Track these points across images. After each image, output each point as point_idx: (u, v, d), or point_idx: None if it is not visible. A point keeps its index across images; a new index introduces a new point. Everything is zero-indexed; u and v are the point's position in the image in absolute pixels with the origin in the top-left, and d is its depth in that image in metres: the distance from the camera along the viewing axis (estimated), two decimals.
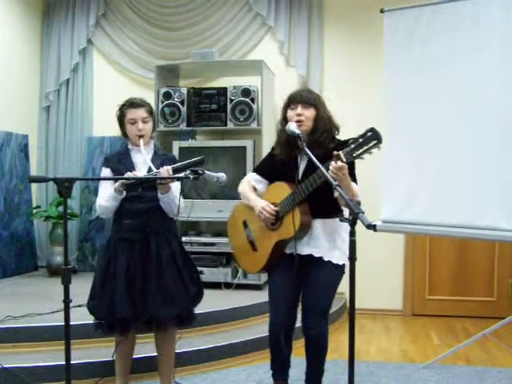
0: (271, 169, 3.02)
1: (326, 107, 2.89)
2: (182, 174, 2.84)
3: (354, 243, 2.17)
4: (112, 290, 2.99)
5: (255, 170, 3.14)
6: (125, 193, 2.96)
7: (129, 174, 2.93)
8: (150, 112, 3.15)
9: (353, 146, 2.48)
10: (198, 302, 3.19)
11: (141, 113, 3.08)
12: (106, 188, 3.04)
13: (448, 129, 3.64)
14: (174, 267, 3.06)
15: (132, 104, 3.10)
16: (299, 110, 2.82)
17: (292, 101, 2.87)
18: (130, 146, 3.17)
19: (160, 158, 3.14)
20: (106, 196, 3.01)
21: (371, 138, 2.42)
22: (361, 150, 2.46)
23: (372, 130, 2.44)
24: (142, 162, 3.09)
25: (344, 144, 2.59)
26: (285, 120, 2.91)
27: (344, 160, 2.50)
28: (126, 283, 2.97)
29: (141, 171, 3.03)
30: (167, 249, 3.06)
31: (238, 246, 3.14)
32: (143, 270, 3.00)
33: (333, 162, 2.53)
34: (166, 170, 2.88)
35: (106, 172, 3.13)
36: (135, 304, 2.95)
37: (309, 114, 2.83)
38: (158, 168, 2.96)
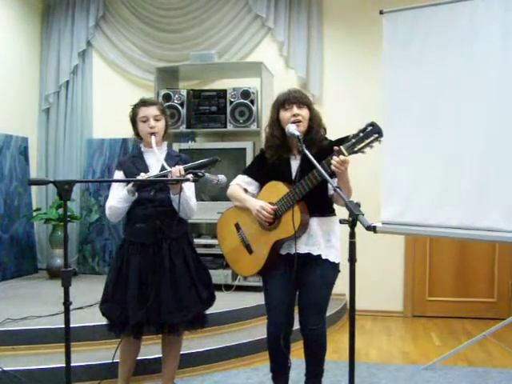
0: (262, 170, 3.00)
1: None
2: (181, 177, 2.84)
3: (354, 245, 2.17)
4: (124, 292, 3.00)
5: (245, 172, 3.10)
6: (137, 194, 2.96)
7: (128, 186, 2.94)
8: (163, 110, 3.16)
9: (354, 140, 2.52)
10: (210, 305, 3.21)
11: (152, 111, 3.09)
12: (118, 190, 3.05)
13: (448, 129, 3.64)
14: (186, 273, 3.07)
15: (144, 102, 3.13)
16: (295, 110, 2.83)
17: (286, 102, 2.86)
18: (142, 149, 3.18)
19: (173, 159, 3.13)
20: (118, 197, 3.01)
21: (372, 132, 2.47)
22: (362, 144, 2.49)
23: (372, 124, 2.48)
24: (156, 163, 3.08)
25: (342, 140, 2.62)
26: (277, 122, 2.90)
27: (346, 154, 2.53)
28: (138, 286, 2.98)
29: (154, 172, 3.03)
30: (180, 254, 3.07)
31: (232, 250, 3.08)
32: (155, 273, 2.99)
33: (335, 157, 2.55)
34: (177, 170, 2.87)
35: (119, 175, 3.14)
36: (148, 307, 2.94)
37: (304, 113, 2.85)
38: (171, 167, 2.96)
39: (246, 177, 3.06)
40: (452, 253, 5.46)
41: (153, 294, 2.95)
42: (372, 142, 2.48)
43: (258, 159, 3.09)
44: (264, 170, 2.97)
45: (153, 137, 3.05)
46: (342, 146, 2.54)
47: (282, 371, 3.04)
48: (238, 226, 3.05)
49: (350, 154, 2.53)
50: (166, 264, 3.01)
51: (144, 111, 3.09)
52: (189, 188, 3.05)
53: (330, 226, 2.88)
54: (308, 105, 2.87)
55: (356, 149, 2.51)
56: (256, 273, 2.99)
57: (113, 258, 3.30)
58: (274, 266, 2.92)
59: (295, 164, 2.89)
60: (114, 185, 3.14)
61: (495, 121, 3.45)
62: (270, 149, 2.94)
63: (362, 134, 2.49)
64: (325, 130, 2.94)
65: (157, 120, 3.09)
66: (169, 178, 2.88)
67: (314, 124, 2.86)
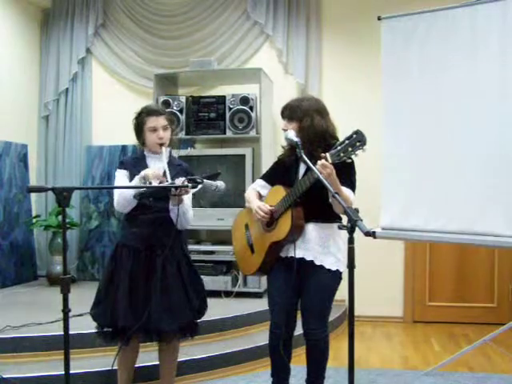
0: (275, 174, 3.09)
1: (316, 117, 2.87)
2: (179, 183, 2.82)
3: (353, 250, 2.17)
4: (115, 297, 2.98)
5: (261, 177, 3.21)
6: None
7: (147, 171, 2.89)
8: (170, 120, 3.13)
9: (339, 147, 2.55)
10: (202, 314, 3.20)
11: (161, 121, 3.06)
12: (126, 183, 3.02)
13: (447, 134, 3.64)
14: (179, 281, 3.05)
15: (153, 112, 3.08)
16: (283, 124, 2.94)
17: (280, 115, 3.00)
18: (146, 152, 3.14)
19: (175, 168, 3.10)
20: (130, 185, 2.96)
21: (356, 139, 2.49)
22: (346, 152, 2.52)
23: (357, 132, 2.50)
24: (158, 169, 3.04)
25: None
26: None
27: (330, 161, 2.56)
28: (128, 291, 2.96)
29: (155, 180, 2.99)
30: (173, 261, 3.05)
31: (239, 249, 3.19)
32: (147, 279, 2.98)
33: (319, 161, 2.58)
34: (181, 182, 2.84)
35: (123, 173, 3.08)
36: (137, 313, 2.92)
37: (291, 127, 2.88)
38: (172, 178, 2.94)
39: (261, 181, 3.17)
40: (452, 258, 5.46)
41: (142, 298, 2.94)
42: (355, 149, 2.50)
43: (273, 164, 3.17)
44: (276, 173, 3.07)
45: (163, 148, 3.02)
46: (327, 153, 2.58)
47: (283, 376, 3.04)
48: (247, 227, 3.14)
49: (334, 161, 2.56)
50: (158, 271, 2.98)
51: (153, 121, 3.04)
52: (187, 199, 3.04)
53: (329, 233, 2.88)
54: (297, 118, 2.88)
55: (341, 155, 2.54)
56: (255, 271, 3.07)
57: (106, 263, 3.23)
58: (276, 268, 2.97)
59: (302, 169, 2.92)
60: (118, 180, 3.08)
61: (496, 125, 3.45)
62: (283, 152, 3.05)
63: (347, 142, 2.52)
64: (331, 139, 2.87)
65: (165, 130, 3.07)
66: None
67: (303, 137, 2.82)
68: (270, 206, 2.92)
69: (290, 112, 2.92)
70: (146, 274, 2.98)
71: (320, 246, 2.87)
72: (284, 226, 2.84)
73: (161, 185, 2.89)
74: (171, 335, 3.07)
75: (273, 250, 2.93)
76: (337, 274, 2.89)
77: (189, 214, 3.07)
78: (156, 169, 3.00)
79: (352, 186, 2.85)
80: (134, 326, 2.92)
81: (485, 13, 3.50)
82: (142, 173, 2.90)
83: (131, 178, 3.02)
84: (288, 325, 2.96)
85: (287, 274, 2.87)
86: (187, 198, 3.03)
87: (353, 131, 2.51)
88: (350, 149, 2.50)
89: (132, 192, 2.90)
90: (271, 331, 2.99)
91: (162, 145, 3.04)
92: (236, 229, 3.25)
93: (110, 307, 2.98)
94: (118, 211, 3.11)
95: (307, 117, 2.87)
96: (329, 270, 2.86)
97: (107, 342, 3.11)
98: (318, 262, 2.86)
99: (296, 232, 2.83)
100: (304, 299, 2.94)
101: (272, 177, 3.10)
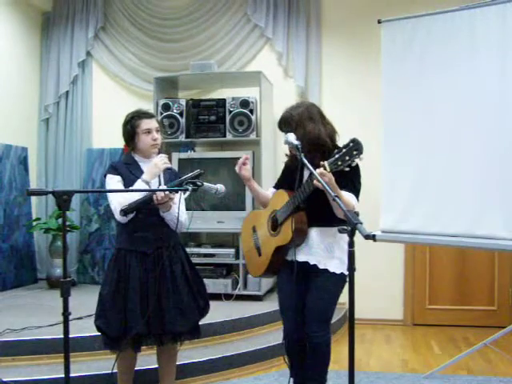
0: (282, 179, 3.13)
1: (308, 124, 2.86)
2: (181, 187, 2.83)
3: (353, 254, 2.17)
4: (124, 304, 2.96)
5: (274, 186, 3.21)
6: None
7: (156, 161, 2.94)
8: (160, 123, 3.19)
9: (337, 156, 2.56)
10: (205, 314, 3.21)
11: (154, 123, 3.11)
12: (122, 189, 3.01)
13: (447, 138, 3.65)
14: (185, 281, 3.08)
15: (146, 114, 3.12)
16: (283, 136, 2.92)
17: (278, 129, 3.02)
18: (137, 158, 3.14)
19: (165, 172, 3.11)
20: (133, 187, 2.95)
21: (353, 148, 2.51)
22: (343, 161, 2.53)
23: (354, 140, 2.52)
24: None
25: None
26: None
27: (328, 169, 2.57)
28: (140, 297, 2.95)
29: (151, 183, 3.00)
30: (178, 262, 3.08)
31: (248, 250, 3.21)
32: (156, 282, 2.97)
33: (317, 170, 2.59)
34: (159, 194, 2.85)
35: (117, 179, 3.06)
36: (149, 318, 2.92)
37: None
38: (166, 181, 2.98)
39: (273, 189, 3.18)
40: (452, 261, 5.46)
41: (153, 302, 2.93)
42: (353, 158, 2.52)
43: (282, 171, 3.19)
44: (284, 178, 3.10)
45: (165, 164, 3.03)
46: (326, 162, 2.59)
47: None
48: (254, 229, 3.16)
49: (332, 169, 2.57)
50: (167, 272, 3.01)
51: (148, 123, 3.07)
52: (181, 204, 3.03)
53: (333, 237, 2.88)
54: (292, 129, 2.87)
55: (338, 164, 2.55)
56: (261, 274, 3.09)
57: (107, 270, 3.14)
58: (282, 272, 3.00)
59: (307, 173, 2.91)
60: (112, 186, 3.06)
61: (495, 130, 3.46)
62: (289, 158, 3.06)
63: (344, 150, 2.53)
64: (330, 144, 2.85)
65: (158, 132, 3.11)
66: (153, 199, 2.87)
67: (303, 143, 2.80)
68: (274, 210, 2.95)
69: (285, 126, 2.93)
70: (155, 277, 2.98)
71: (324, 250, 2.87)
72: (288, 230, 2.84)
73: (160, 188, 2.92)
74: (184, 335, 3.09)
75: (278, 254, 2.95)
76: (342, 277, 2.89)
77: (182, 218, 3.06)
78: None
79: (355, 190, 2.84)
80: (148, 332, 2.94)
81: (484, 16, 3.52)
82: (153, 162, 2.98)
83: (125, 184, 3.02)
84: (300, 327, 2.94)
85: (293, 278, 2.87)
86: (180, 203, 3.01)
87: (350, 140, 2.52)
88: (347, 157, 2.52)
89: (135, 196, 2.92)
90: (285, 338, 3.00)
91: (156, 148, 3.09)
92: (244, 231, 3.28)
93: (120, 315, 2.94)
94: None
95: (300, 127, 2.86)
96: (333, 273, 2.87)
97: (115, 350, 3.04)
98: (321, 266, 2.86)
99: (299, 236, 2.84)
100: (307, 302, 2.94)
101: (281, 184, 3.11)
